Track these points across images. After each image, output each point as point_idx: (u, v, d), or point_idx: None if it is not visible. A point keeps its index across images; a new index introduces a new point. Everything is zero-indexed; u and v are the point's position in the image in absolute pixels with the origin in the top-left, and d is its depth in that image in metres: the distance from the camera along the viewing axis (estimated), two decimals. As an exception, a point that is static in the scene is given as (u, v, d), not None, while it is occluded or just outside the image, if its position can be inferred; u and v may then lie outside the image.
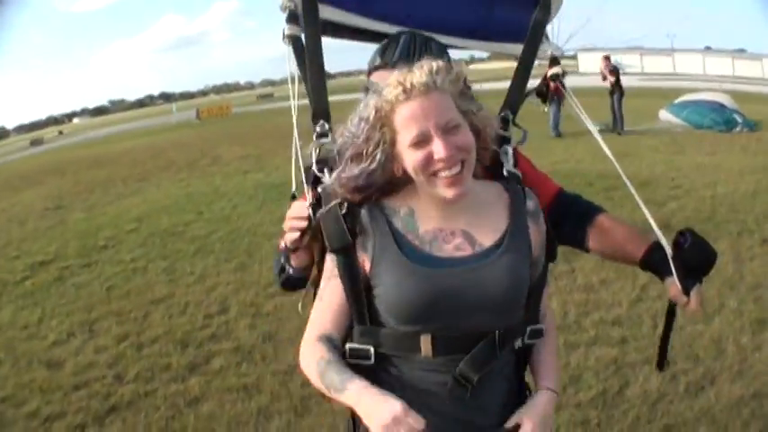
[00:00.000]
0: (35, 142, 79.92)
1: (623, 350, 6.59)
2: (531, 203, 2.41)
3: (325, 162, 2.45)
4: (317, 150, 2.53)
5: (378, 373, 2.25)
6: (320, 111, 2.63)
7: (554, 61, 3.21)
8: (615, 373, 6.19)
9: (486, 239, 2.27)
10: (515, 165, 2.60)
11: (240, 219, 13.33)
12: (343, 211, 2.27)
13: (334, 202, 2.28)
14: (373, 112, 2.16)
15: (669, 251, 2.62)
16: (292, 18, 2.85)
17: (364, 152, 2.20)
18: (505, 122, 2.69)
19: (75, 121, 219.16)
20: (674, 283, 2.57)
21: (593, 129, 3.14)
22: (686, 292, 2.54)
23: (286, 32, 2.83)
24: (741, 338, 6.74)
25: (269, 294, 8.42)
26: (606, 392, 5.88)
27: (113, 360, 7.16)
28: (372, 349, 2.26)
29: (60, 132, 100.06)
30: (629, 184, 2.96)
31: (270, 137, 30.45)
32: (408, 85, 2.09)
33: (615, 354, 6.53)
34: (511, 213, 2.35)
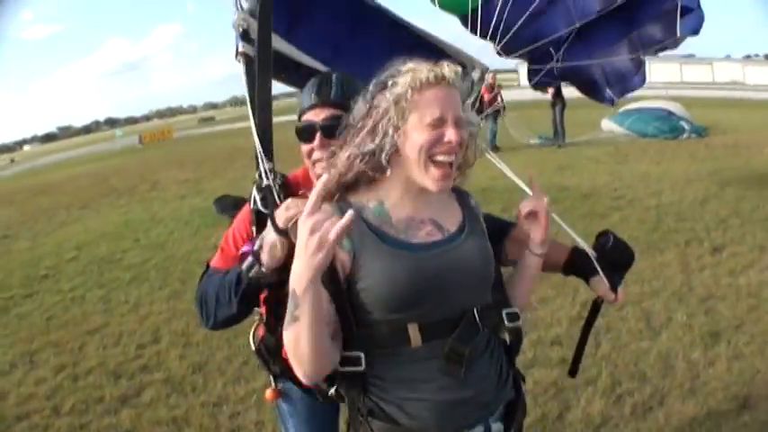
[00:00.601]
0: (-13, 170, 78.19)
1: (563, 371, 5.32)
2: (472, 201, 2.69)
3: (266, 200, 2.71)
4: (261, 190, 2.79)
5: (370, 378, 2.35)
6: (265, 146, 2.89)
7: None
8: (555, 397, 5.87)
9: (451, 226, 2.48)
10: None
11: (175, 245, 13.12)
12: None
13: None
14: (409, 90, 2.28)
15: (592, 253, 2.85)
16: (245, 36, 3.01)
17: (380, 126, 2.32)
18: None
19: (27, 148, 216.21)
20: (601, 281, 2.80)
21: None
22: (614, 288, 2.80)
23: (240, 50, 3.00)
24: (691, 354, 6.52)
25: (199, 323, 8.11)
26: (546, 417, 5.57)
27: (51, 392, 6.97)
28: (363, 355, 2.32)
29: (12, 160, 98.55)
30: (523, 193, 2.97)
31: (209, 160, 30.33)
32: (440, 74, 2.29)
33: (555, 376, 6.17)
34: (461, 207, 2.60)
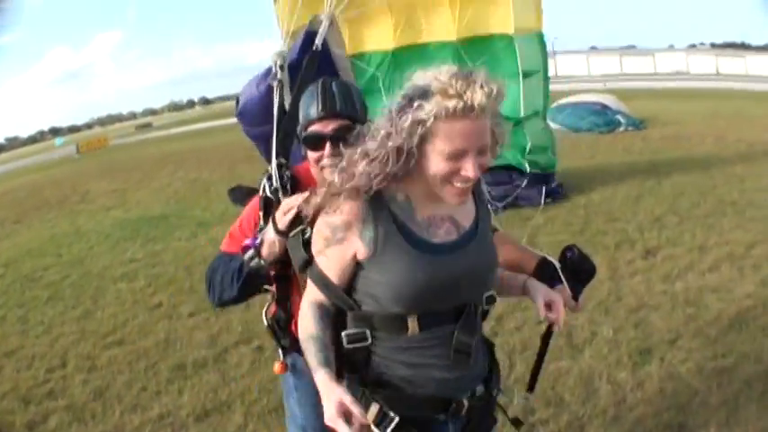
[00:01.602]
0: (-69, 184, 76.06)
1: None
2: (484, 188, 2.67)
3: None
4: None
5: (373, 355, 2.43)
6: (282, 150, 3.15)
7: None
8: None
9: (466, 222, 2.48)
10: None
11: (93, 261, 12.69)
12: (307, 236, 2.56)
13: (298, 228, 2.62)
14: (432, 119, 2.14)
15: (557, 264, 2.90)
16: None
17: (405, 147, 2.21)
18: None
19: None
20: (563, 289, 2.82)
21: None
22: (575, 296, 2.86)
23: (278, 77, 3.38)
24: (617, 374, 5.69)
25: (106, 345, 7.95)
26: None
27: (-34, 418, 6.59)
28: (368, 332, 2.39)
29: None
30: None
31: (138, 169, 29.75)
32: (469, 103, 2.10)
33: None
34: (475, 200, 2.57)
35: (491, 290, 2.59)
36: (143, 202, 19.31)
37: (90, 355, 7.77)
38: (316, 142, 2.84)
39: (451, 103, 2.11)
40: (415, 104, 2.17)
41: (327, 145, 2.80)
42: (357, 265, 2.39)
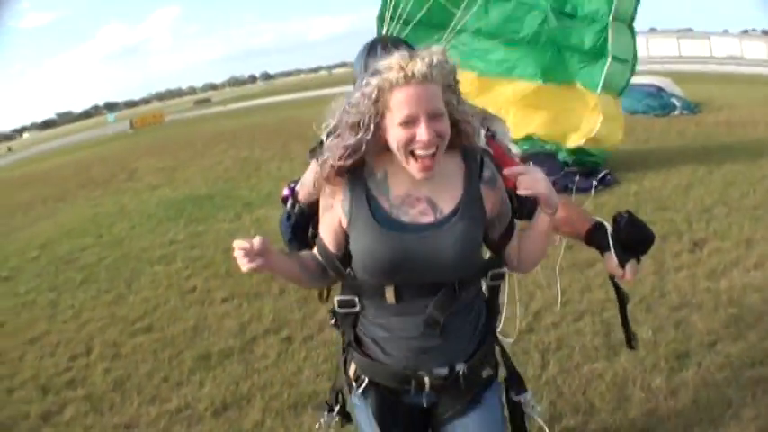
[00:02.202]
0: (-17, 160, 76.88)
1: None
2: (487, 172, 2.65)
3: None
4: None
5: (362, 318, 2.72)
6: None
7: None
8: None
9: (446, 206, 2.55)
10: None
11: (132, 242, 12.50)
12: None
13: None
14: (375, 90, 2.37)
15: (609, 228, 2.91)
16: None
17: (361, 123, 2.43)
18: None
19: (26, 135, 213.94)
20: (610, 256, 2.88)
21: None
22: (621, 264, 2.87)
23: None
24: (653, 380, 5.35)
25: (133, 331, 7.74)
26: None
27: (-13, 405, 6.46)
28: (357, 298, 2.68)
29: (9, 149, 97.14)
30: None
31: (191, 145, 29.76)
32: (409, 72, 2.32)
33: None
34: (466, 183, 2.60)
35: (468, 273, 2.64)
36: (191, 181, 19.16)
37: (116, 342, 7.58)
38: None
39: (393, 75, 2.35)
40: (365, 82, 2.44)
41: None
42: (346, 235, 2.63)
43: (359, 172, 2.57)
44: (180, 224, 13.33)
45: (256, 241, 2.37)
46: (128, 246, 12.26)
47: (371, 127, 2.42)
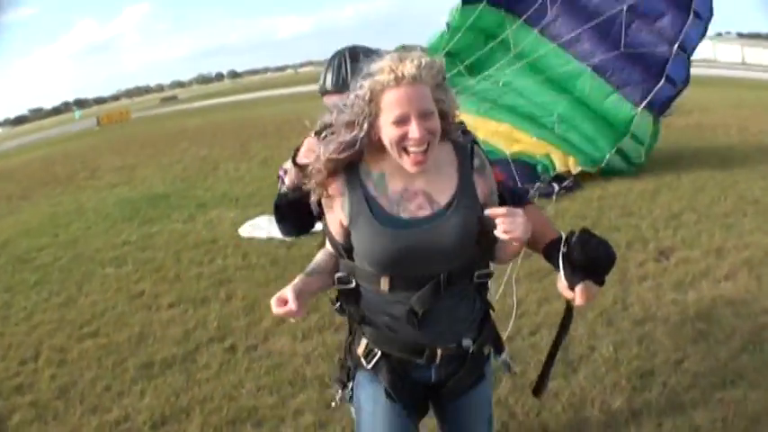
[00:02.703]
0: (-46, 156, 75.67)
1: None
2: (477, 161, 2.75)
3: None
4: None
5: (357, 298, 2.81)
6: None
7: None
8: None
9: (442, 197, 2.64)
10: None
11: (87, 242, 12.33)
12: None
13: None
14: (368, 92, 2.46)
15: (563, 248, 2.70)
16: None
17: (356, 122, 2.52)
18: None
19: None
20: (560, 279, 2.70)
21: None
22: (571, 287, 2.66)
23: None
24: (613, 401, 5.01)
25: (80, 336, 7.60)
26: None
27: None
28: (353, 279, 2.76)
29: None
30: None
31: (153, 144, 29.49)
32: (399, 74, 2.42)
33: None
34: (459, 172, 2.70)
35: (461, 261, 2.70)
36: (148, 180, 19.00)
37: (63, 347, 7.42)
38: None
39: (384, 77, 2.44)
40: (359, 84, 2.52)
41: None
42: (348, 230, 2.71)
43: (356, 173, 2.66)
44: (134, 224, 13.21)
45: (291, 301, 2.49)
46: (82, 246, 12.10)
47: (365, 126, 2.51)
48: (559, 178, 11.62)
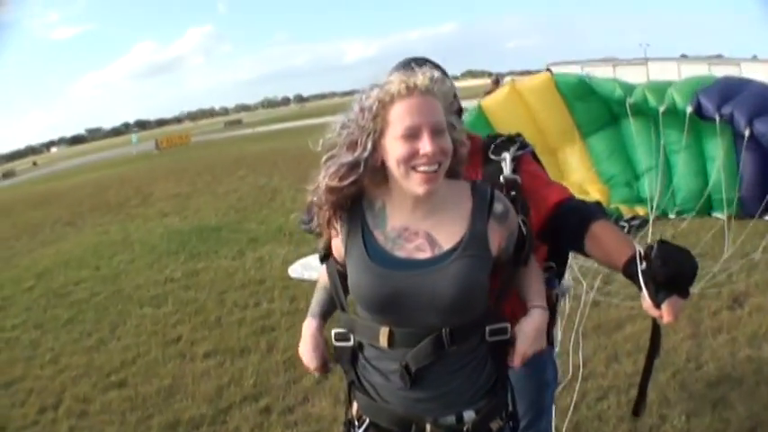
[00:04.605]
0: (7, 174, 77.45)
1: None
2: (499, 206, 2.47)
3: None
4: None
5: (356, 355, 2.53)
6: None
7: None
8: None
9: (446, 242, 2.37)
10: (515, 171, 2.81)
11: (128, 277, 12.02)
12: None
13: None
14: (376, 103, 2.26)
15: (640, 266, 2.43)
16: None
17: (359, 141, 2.30)
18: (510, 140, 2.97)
19: (53, 150, 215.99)
20: (644, 298, 2.41)
21: None
22: (657, 305, 2.37)
23: None
24: None
25: (106, 386, 7.19)
26: None
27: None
28: (352, 335, 2.50)
29: (35, 163, 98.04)
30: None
31: (211, 170, 29.39)
32: (411, 84, 2.25)
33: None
34: (472, 217, 2.42)
35: (464, 319, 2.38)
36: (201, 210, 18.82)
37: (87, 396, 7.03)
38: None
39: (394, 87, 2.26)
40: (364, 96, 2.33)
41: None
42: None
43: (357, 203, 2.47)
44: (180, 259, 12.91)
45: (310, 365, 2.65)
46: (122, 282, 11.81)
47: (369, 145, 2.31)
48: (630, 218, 11.17)
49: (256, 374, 6.97)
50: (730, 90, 9.73)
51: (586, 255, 2.75)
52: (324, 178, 2.37)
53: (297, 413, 6.10)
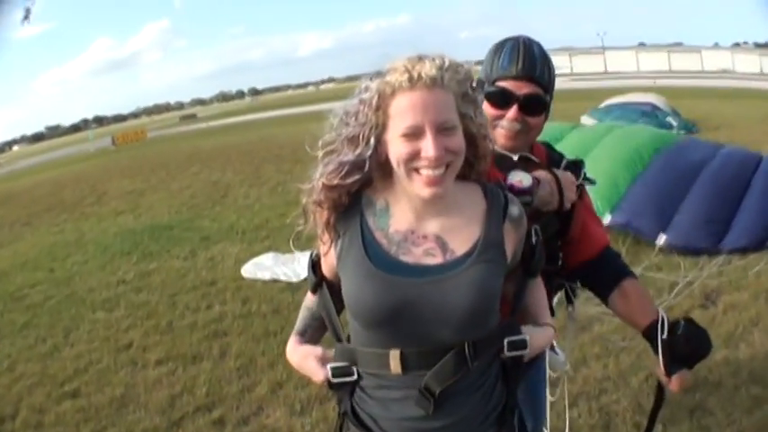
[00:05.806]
0: (-32, 174, 75.83)
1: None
2: (515, 209, 2.23)
3: None
4: None
5: (360, 391, 2.20)
6: None
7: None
8: None
9: (460, 247, 2.12)
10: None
11: (81, 279, 11.64)
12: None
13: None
14: (376, 96, 2.02)
15: (662, 335, 2.57)
16: None
17: (360, 135, 2.06)
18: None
19: (15, 148, 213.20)
20: (658, 364, 2.56)
21: None
22: (668, 374, 2.54)
23: None
24: None
25: (60, 396, 6.92)
26: None
27: None
28: (354, 367, 2.16)
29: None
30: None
31: (165, 166, 28.90)
32: (415, 75, 1.96)
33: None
34: (487, 220, 2.18)
35: (482, 332, 2.11)
36: (155, 208, 18.42)
37: (42, 407, 6.77)
38: (504, 101, 2.69)
39: (395, 77, 1.98)
40: (364, 86, 2.07)
41: (515, 107, 2.67)
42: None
43: (356, 200, 2.18)
44: (132, 259, 12.56)
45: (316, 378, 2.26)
46: (76, 284, 11.45)
47: (372, 141, 2.06)
48: None
49: (209, 383, 6.75)
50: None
51: (606, 305, 2.84)
52: (321, 177, 2.12)
53: (251, 424, 5.89)
